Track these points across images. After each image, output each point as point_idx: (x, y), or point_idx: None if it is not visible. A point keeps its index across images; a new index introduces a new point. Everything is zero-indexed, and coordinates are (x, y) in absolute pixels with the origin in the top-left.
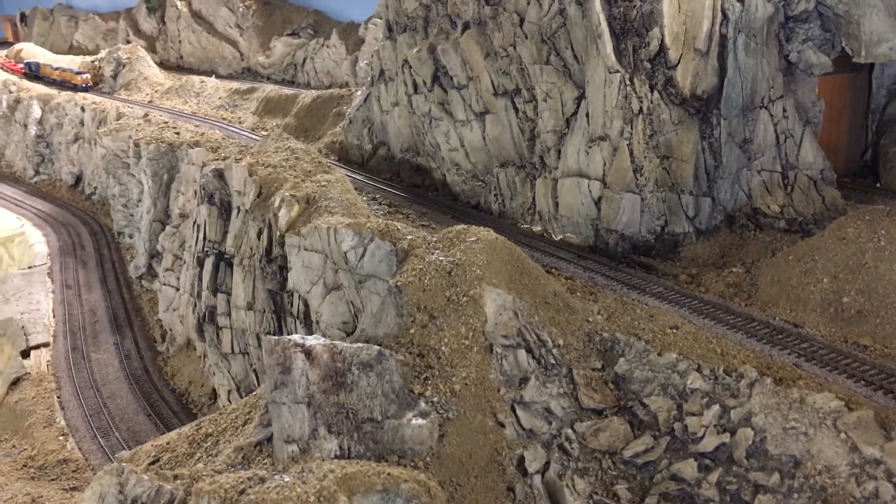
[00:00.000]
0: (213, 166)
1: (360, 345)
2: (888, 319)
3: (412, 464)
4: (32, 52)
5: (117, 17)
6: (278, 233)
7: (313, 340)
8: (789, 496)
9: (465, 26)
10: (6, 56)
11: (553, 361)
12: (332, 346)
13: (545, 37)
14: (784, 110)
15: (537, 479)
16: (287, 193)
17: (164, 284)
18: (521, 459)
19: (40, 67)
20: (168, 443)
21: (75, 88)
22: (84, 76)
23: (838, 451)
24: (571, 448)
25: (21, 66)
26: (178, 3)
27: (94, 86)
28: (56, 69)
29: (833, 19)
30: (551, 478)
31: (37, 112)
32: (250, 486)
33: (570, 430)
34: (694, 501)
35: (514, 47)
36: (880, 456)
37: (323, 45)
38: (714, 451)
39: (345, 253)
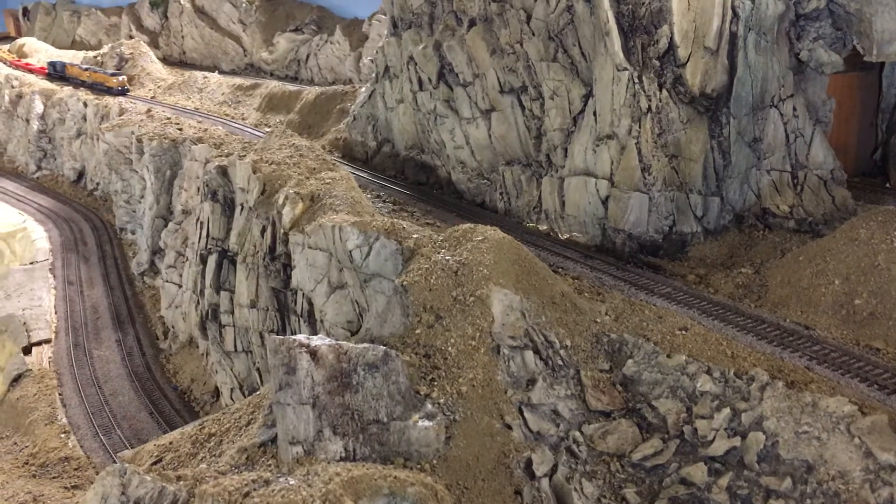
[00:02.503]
0: (217, 163)
1: (365, 345)
2: None
3: (418, 466)
4: (35, 46)
5: (120, 13)
6: (282, 230)
7: (318, 340)
8: (802, 502)
9: (472, 23)
10: (8, 51)
11: (560, 363)
12: (338, 346)
13: (552, 34)
14: (794, 109)
15: (545, 483)
16: (291, 191)
17: (167, 281)
18: (529, 462)
19: (66, 68)
20: (171, 442)
21: (109, 92)
22: (120, 78)
23: (852, 457)
24: (579, 451)
25: (39, 65)
26: None
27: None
28: (86, 70)
29: (844, 17)
30: (559, 481)
31: (39, 107)
32: (255, 489)
33: (577, 433)
34: None
35: (521, 44)
36: (895, 462)
37: (326, 42)
38: (724, 455)
39: (350, 251)
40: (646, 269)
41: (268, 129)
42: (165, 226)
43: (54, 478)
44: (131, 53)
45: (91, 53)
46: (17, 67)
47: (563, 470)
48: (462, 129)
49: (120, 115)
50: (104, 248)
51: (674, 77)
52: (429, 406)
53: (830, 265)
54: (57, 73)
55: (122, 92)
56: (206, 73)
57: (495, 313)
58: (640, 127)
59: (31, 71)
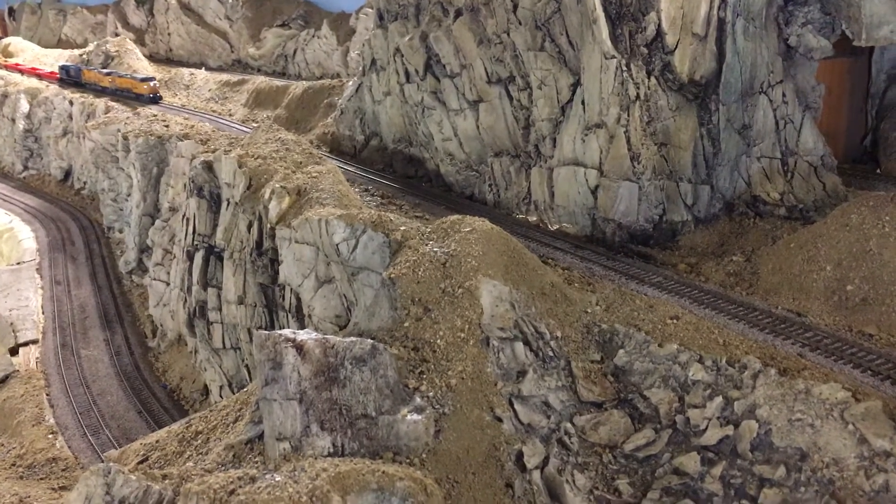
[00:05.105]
0: (203, 158)
1: (353, 339)
2: (894, 307)
3: (408, 461)
4: (20, 46)
5: (106, 11)
6: (269, 225)
7: (305, 335)
8: (796, 490)
9: (458, 13)
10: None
11: (551, 354)
12: (325, 340)
13: (539, 23)
14: (783, 95)
15: (536, 475)
16: (277, 185)
17: (155, 279)
18: (520, 455)
19: (82, 73)
20: (157, 441)
21: (138, 99)
22: (152, 83)
23: (846, 444)
24: (571, 442)
25: (49, 69)
26: None
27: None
28: (108, 74)
29: (833, 2)
30: (551, 473)
31: (24, 106)
32: (240, 486)
33: (569, 424)
34: (697, 496)
35: (508, 34)
36: (890, 448)
37: (314, 36)
38: (717, 444)
39: (337, 245)
40: (636, 259)
41: (255, 125)
42: (153, 223)
43: (42, 479)
44: (117, 51)
45: (77, 52)
46: (22, 72)
47: (554, 462)
48: (450, 121)
49: (106, 113)
50: (91, 247)
51: (662, 64)
52: (418, 399)
53: (822, 251)
54: (71, 78)
55: (154, 100)
56: (193, 70)
57: (484, 305)
58: (628, 115)
59: (40, 76)
